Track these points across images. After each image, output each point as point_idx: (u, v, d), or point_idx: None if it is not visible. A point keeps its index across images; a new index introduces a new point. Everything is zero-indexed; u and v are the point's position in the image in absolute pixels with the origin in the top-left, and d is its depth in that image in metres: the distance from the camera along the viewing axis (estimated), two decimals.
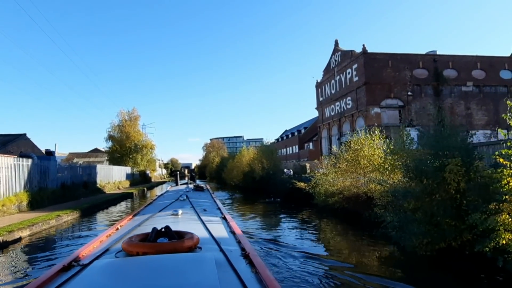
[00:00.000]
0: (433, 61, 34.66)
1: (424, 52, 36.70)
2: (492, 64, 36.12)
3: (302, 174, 40.54)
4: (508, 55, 39.42)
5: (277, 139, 79.00)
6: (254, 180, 38.23)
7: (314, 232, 16.28)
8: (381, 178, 13.20)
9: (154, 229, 3.48)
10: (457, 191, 8.66)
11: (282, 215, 22.42)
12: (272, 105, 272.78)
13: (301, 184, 24.94)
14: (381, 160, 14.78)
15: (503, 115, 8.22)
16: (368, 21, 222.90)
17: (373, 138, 16.46)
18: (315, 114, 52.03)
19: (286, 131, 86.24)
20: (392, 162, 12.66)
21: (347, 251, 12.48)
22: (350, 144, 17.17)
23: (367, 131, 17.03)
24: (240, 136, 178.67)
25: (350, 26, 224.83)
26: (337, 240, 14.49)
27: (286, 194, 27.09)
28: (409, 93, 33.89)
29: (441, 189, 9.06)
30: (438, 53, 36.39)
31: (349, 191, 15.94)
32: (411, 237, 8.59)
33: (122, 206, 29.07)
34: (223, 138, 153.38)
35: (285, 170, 40.78)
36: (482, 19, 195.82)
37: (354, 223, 15.43)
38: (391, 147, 13.11)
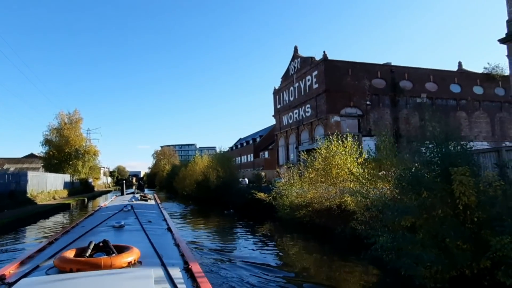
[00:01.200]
0: (390, 72, 34.94)
1: (380, 63, 36.97)
2: (443, 77, 37.27)
3: (258, 183, 39.07)
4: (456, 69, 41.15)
5: (231, 148, 76.90)
6: (208, 190, 35.76)
7: (273, 246, 14.65)
8: (360, 189, 11.65)
9: (91, 243, 3.37)
10: (466, 206, 7.22)
11: (239, 229, 20.36)
12: (226, 113, 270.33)
13: (262, 195, 23.10)
14: (356, 169, 13.33)
15: None
16: (326, 28, 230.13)
17: (345, 145, 15.05)
18: (271, 122, 50.91)
19: (240, 139, 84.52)
20: (373, 172, 11.18)
21: (306, 264, 11.60)
22: (320, 151, 15.61)
23: (339, 138, 15.59)
24: (193, 144, 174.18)
25: (309, 33, 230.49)
26: (300, 255, 12.95)
27: (245, 205, 25.06)
28: (368, 102, 33.72)
29: (445, 203, 7.60)
30: (393, 64, 36.83)
31: (319, 204, 14.30)
32: (417, 264, 6.92)
33: (57, 219, 25.32)
34: (174, 145, 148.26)
35: (240, 179, 38.85)
36: (432, 33, 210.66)
37: (324, 240, 13.80)
38: (373, 156, 11.66)
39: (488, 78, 39.49)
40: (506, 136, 39.20)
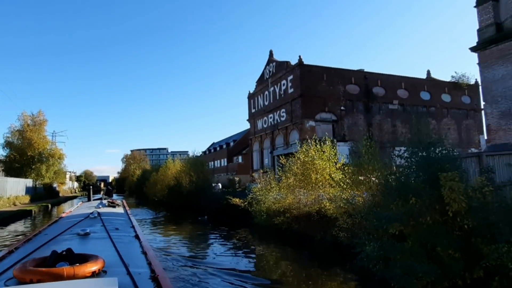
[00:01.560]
0: (364, 78, 35.41)
1: (352, 69, 37.40)
2: (414, 85, 38.23)
3: (232, 188, 38.39)
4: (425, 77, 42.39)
5: (204, 152, 75.64)
6: (181, 195, 34.63)
7: (248, 253, 14.21)
8: (341, 195, 11.30)
9: (54, 252, 3.29)
10: (456, 213, 6.95)
11: (213, 236, 19.63)
12: (199, 117, 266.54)
13: (237, 201, 22.48)
14: (336, 174, 13.00)
15: None
16: (300, 33, 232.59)
17: (323, 150, 14.73)
18: (245, 126, 50.48)
19: (214, 143, 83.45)
20: (354, 177, 10.85)
21: (283, 271, 11.25)
22: (299, 156, 15.22)
23: (317, 142, 15.26)
24: (164, 148, 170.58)
25: (284, 37, 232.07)
26: (277, 263, 12.57)
27: (219, 211, 24.28)
28: (342, 108, 33.95)
29: (433, 210, 7.31)
30: (366, 70, 37.40)
31: (298, 210, 13.85)
32: (408, 275, 6.54)
33: (17, 227, 23.56)
34: (145, 149, 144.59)
35: (213, 184, 38.03)
36: (402, 41, 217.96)
37: (303, 247, 13.35)
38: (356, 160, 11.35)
39: (455, 87, 40.94)
40: (471, 142, 40.66)
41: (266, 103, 39.63)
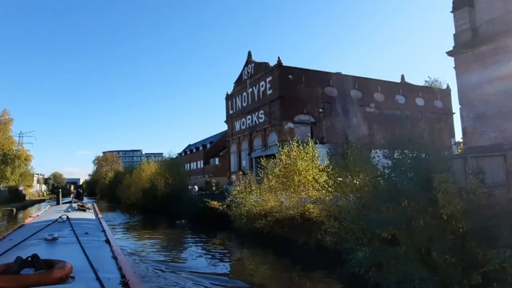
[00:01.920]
0: (342, 81, 35.59)
1: (330, 71, 37.57)
2: (390, 88, 38.87)
3: (209, 191, 37.63)
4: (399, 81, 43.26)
5: (180, 154, 74.12)
6: (156, 199, 33.56)
7: (227, 258, 13.89)
8: (326, 197, 10.95)
9: (18, 258, 3.20)
10: (450, 216, 6.71)
11: (190, 240, 18.95)
12: (175, 119, 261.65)
13: (215, 204, 21.88)
14: (319, 176, 12.67)
15: None
16: (279, 35, 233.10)
17: (306, 151, 14.41)
18: (222, 128, 49.79)
19: (190, 145, 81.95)
20: (341, 180, 10.52)
21: (263, 277, 10.97)
22: (281, 157, 14.82)
23: (299, 144, 14.92)
24: (138, 150, 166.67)
25: (262, 38, 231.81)
26: (257, 268, 12.20)
27: (197, 215, 23.55)
28: (321, 110, 33.98)
29: (426, 213, 7.05)
30: (343, 73, 37.69)
31: (280, 213, 13.43)
32: (405, 283, 6.21)
33: None
34: (118, 151, 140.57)
35: (189, 187, 37.15)
36: (378, 45, 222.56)
37: (285, 252, 12.93)
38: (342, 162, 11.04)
39: (429, 91, 41.98)
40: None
41: (244, 104, 39.16)
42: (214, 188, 46.42)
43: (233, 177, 30.25)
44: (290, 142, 15.79)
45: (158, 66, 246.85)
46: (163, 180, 35.45)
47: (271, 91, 33.74)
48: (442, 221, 6.80)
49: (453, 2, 21.25)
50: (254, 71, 37.27)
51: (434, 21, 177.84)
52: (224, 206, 21.61)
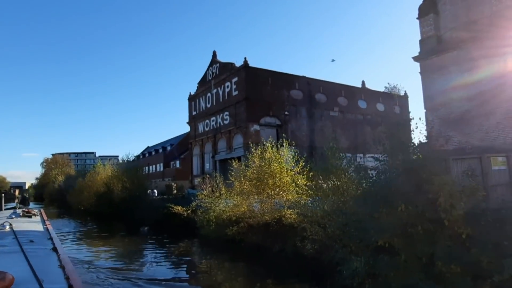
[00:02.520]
0: (307, 84, 35.60)
1: (295, 74, 37.47)
2: (352, 93, 39.51)
3: (169, 195, 35.95)
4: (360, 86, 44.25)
5: (138, 156, 70.95)
6: (112, 204, 31.32)
7: (193, 268, 13.08)
8: (307, 202, 10.26)
9: None
10: (452, 221, 6.22)
11: (151, 248, 17.58)
12: (132, 120, 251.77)
13: (179, 209, 20.59)
14: (297, 178, 12.00)
15: None
16: (244, 36, 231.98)
17: (281, 152, 13.72)
18: (184, 130, 48.09)
19: (148, 147, 78.78)
20: (324, 184, 9.87)
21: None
22: (254, 159, 13.99)
23: (273, 145, 14.18)
24: (92, 152, 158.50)
25: (227, 39, 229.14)
26: (226, 277, 11.28)
27: (159, 221, 22.05)
28: (286, 112, 33.66)
29: (425, 218, 6.53)
30: (308, 77, 37.77)
31: (254, 219, 12.57)
32: None
33: None
34: (69, 153, 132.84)
35: (148, 191, 35.25)
36: (339, 49, 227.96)
37: (260, 261, 12.08)
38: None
39: (388, 97, 43.29)
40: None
41: (209, 106, 37.97)
42: (175, 192, 44.73)
43: (198, 180, 28.84)
44: (264, 144, 14.99)
45: (113, 64, 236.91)
46: (120, 184, 33.30)
47: (236, 92, 32.90)
48: (442, 227, 6.30)
49: (419, 9, 21.77)
50: (219, 72, 36.25)
51: (395, 28, 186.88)
52: (189, 211, 20.41)
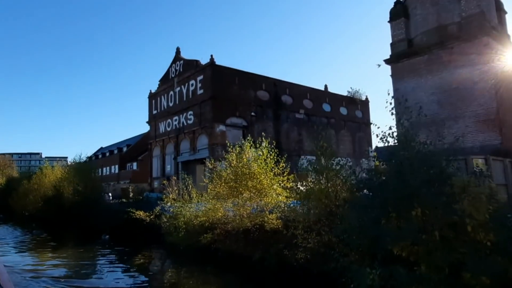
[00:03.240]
0: (274, 85, 35.01)
1: (262, 75, 36.80)
2: (317, 96, 39.57)
3: (125, 198, 33.61)
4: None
5: (90, 158, 66.59)
6: (62, 209, 28.49)
7: (158, 280, 11.47)
8: (298, 206, 9.35)
9: None
10: (476, 226, 5.58)
11: (107, 258, 15.84)
12: (82, 119, 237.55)
13: (141, 214, 18.89)
14: (279, 180, 11.08)
15: None
16: (208, 34, 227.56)
17: (261, 150, 12.78)
18: (142, 130, 45.57)
19: (102, 148, 74.23)
20: (317, 186, 9.00)
21: None
22: (231, 159, 12.88)
23: (252, 144, 13.18)
24: (37, 153, 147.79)
25: (190, 36, 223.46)
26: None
27: (117, 227, 20.11)
28: (253, 113, 32.78)
29: (444, 223, 5.85)
30: (274, 78, 37.27)
31: (232, 224, 11.45)
32: None
33: None
34: (11, 154, 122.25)
35: (94, 195, 32.71)
36: (305, 52, 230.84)
37: (239, 271, 10.98)
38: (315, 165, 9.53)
39: (351, 101, 43.98)
40: (363, 154, 43.99)
41: (171, 104, 36.11)
42: (131, 195, 42.15)
43: (158, 183, 26.92)
44: (242, 143, 13.91)
45: (64, 60, 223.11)
46: (71, 186, 30.50)
47: (202, 91, 31.48)
48: (464, 233, 5.63)
49: (391, 13, 21.91)
50: (183, 69, 34.59)
51: (358, 33, 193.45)
52: (152, 216, 18.79)
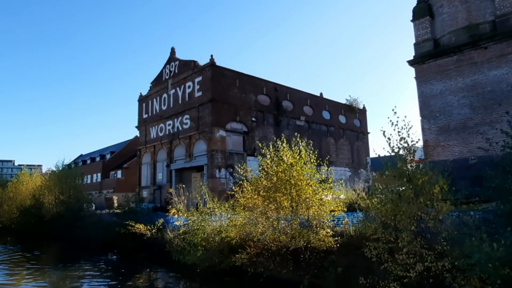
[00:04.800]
0: (275, 90, 33.15)
1: (262, 78, 34.97)
2: (317, 103, 37.98)
3: (109, 209, 30.80)
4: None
5: (69, 165, 62.64)
6: (42, 220, 25.42)
7: None
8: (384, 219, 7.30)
9: None
10: None
11: (106, 283, 13.19)
12: (59, 125, 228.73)
13: (142, 227, 16.45)
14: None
15: None
16: (203, 35, 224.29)
17: (297, 153, 10.78)
18: (127, 136, 42.69)
19: (82, 155, 70.14)
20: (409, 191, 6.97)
21: None
22: (269, 162, 10.76)
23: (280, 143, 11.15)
24: (9, 160, 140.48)
25: (186, 36, 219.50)
26: None
27: (109, 243, 17.45)
28: (253, 119, 30.72)
29: None
30: (274, 82, 35.51)
31: (275, 242, 9.24)
32: None
33: None
34: None
35: (79, 205, 29.74)
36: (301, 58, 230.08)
37: None
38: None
39: (350, 109, 42.69)
40: (361, 163, 42.60)
41: (164, 108, 33.59)
42: (116, 206, 39.28)
43: (171, 192, 24.08)
44: (280, 141, 11.81)
45: (40, 64, 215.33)
46: (53, 195, 27.47)
47: (200, 93, 29.22)
48: None
49: (413, 12, 20.52)
50: (179, 70, 32.28)
51: (357, 42, 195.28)
52: (153, 230, 16.37)
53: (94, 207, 31.92)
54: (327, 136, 38.72)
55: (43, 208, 26.83)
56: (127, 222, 16.18)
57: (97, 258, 17.02)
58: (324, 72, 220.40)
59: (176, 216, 13.90)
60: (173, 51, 33.99)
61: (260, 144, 12.64)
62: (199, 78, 29.53)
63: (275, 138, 32.14)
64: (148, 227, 16.29)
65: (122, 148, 53.29)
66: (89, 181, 55.53)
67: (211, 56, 28.73)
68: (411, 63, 20.01)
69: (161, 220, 16.47)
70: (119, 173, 49.33)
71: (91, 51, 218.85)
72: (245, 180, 11.19)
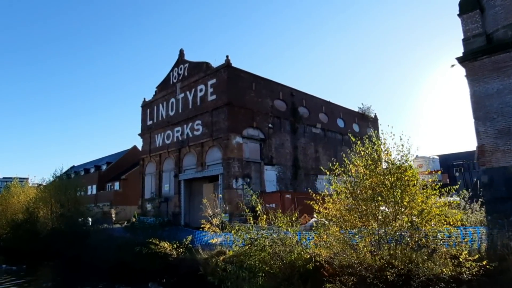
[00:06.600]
0: (291, 95, 31.11)
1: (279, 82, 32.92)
2: (332, 110, 36.06)
3: (106, 224, 28.12)
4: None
5: (68, 175, 59.16)
6: (36, 237, 22.46)
7: None
8: None
9: None
10: None
11: None
12: (48, 135, 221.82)
13: (167, 246, 13.94)
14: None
15: None
16: (207, 37, 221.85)
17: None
18: (124, 147, 39.88)
19: (74, 167, 66.64)
20: None
21: None
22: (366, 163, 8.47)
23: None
24: None
25: (192, 38, 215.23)
26: None
27: (121, 264, 14.72)
28: (270, 125, 28.50)
29: None
30: (291, 87, 33.52)
31: (392, 269, 6.83)
32: None
33: None
34: None
35: (79, 219, 26.94)
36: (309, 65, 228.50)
37: None
38: None
39: (362, 118, 40.90)
40: None
41: (172, 113, 31.15)
42: (114, 220, 36.63)
43: (204, 201, 21.06)
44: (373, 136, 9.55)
45: (22, 67, 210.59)
46: (48, 209, 24.57)
47: (214, 97, 26.93)
48: None
49: (460, 5, 18.73)
50: (189, 73, 30.03)
51: (359, 36, 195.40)
52: (181, 250, 13.82)
53: (90, 221, 29.12)
54: (342, 145, 36.60)
55: (37, 223, 23.89)
56: (150, 240, 13.56)
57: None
58: (331, 78, 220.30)
59: (211, 232, 11.44)
60: (181, 53, 31.77)
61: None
62: (213, 81, 27.28)
63: (291, 146, 30.26)
64: (174, 244, 13.73)
65: (119, 158, 50.35)
66: (82, 193, 52.17)
67: (227, 56, 26.59)
68: (460, 60, 18.11)
69: (190, 237, 13.93)
70: (116, 185, 46.27)
71: (83, 52, 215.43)
72: (334, 184, 8.90)
